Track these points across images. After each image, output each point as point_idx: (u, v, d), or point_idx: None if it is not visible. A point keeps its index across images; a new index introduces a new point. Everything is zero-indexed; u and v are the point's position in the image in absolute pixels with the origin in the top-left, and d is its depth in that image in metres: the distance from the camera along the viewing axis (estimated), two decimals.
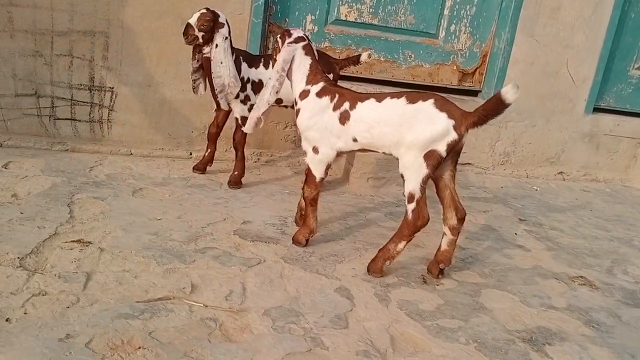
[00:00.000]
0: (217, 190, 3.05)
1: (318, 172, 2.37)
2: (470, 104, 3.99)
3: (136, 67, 3.30)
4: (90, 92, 3.29)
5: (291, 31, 2.39)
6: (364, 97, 2.27)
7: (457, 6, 3.89)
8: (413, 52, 3.92)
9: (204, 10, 2.82)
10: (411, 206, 2.19)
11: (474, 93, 4.17)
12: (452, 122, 2.10)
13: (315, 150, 2.34)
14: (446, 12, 3.89)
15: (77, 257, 2.11)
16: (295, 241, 2.49)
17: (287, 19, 3.62)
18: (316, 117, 2.28)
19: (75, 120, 3.31)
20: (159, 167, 3.27)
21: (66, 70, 3.22)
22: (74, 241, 2.23)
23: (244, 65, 2.96)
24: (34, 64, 3.17)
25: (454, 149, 2.16)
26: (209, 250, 2.32)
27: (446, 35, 3.94)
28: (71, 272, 2.01)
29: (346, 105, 2.26)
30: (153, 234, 2.40)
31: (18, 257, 2.04)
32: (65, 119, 3.30)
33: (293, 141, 3.74)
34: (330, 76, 2.94)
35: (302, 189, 2.43)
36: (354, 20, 3.74)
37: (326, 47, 3.73)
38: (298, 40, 2.34)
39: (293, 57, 2.35)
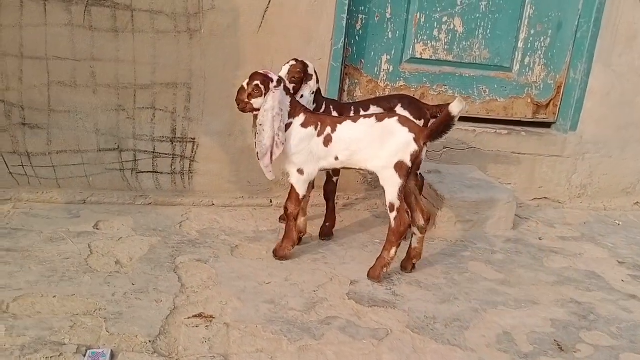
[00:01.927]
0: (310, 244, 2.96)
1: (301, 191, 2.63)
2: (546, 138, 3.91)
3: (217, 117, 3.24)
4: (172, 143, 3.23)
5: (269, 75, 2.50)
6: (342, 119, 2.59)
7: (531, 38, 3.80)
8: (487, 86, 3.83)
9: (293, 62, 2.74)
10: (393, 215, 2.52)
11: (547, 125, 4.07)
12: (412, 135, 2.46)
13: (301, 171, 2.60)
14: (520, 44, 3.80)
15: (206, 337, 2.03)
16: (280, 257, 2.70)
17: (362, 60, 3.55)
18: (303, 144, 2.54)
19: (157, 172, 3.25)
20: (244, 218, 3.20)
21: (148, 123, 3.17)
22: (196, 316, 2.15)
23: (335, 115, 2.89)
24: (117, 118, 3.12)
25: (417, 160, 2.49)
26: (333, 321, 2.23)
27: (520, 68, 3.85)
28: (207, 355, 1.93)
29: (328, 129, 2.56)
30: (270, 302, 2.31)
31: (149, 341, 1.97)
32: (147, 172, 3.24)
33: (369, 182, 3.66)
34: (421, 122, 2.87)
35: (285, 206, 2.67)
36: (429, 58, 3.66)
37: (401, 86, 3.65)
38: (279, 82, 2.51)
39: None
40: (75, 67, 2.99)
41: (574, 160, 4.01)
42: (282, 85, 2.52)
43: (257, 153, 2.54)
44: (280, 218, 3.19)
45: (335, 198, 3.08)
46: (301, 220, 2.84)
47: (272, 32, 3.20)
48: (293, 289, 2.45)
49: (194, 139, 3.26)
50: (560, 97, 3.98)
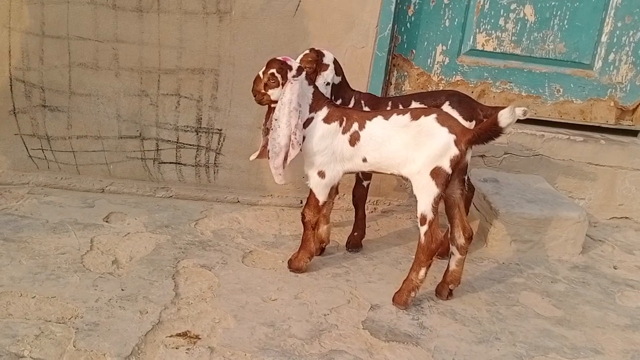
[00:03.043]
0: (335, 254, 2.62)
1: (322, 196, 2.30)
2: (630, 148, 3.32)
3: (247, 108, 2.96)
4: (197, 134, 2.99)
5: (288, 62, 2.17)
6: (371, 115, 2.23)
7: (617, 32, 3.23)
8: (562, 85, 3.30)
9: (307, 51, 2.41)
10: (423, 229, 2.15)
11: (633, 133, 3.48)
12: (453, 136, 2.08)
13: (322, 174, 2.26)
14: (604, 38, 3.24)
15: None
16: (294, 268, 2.38)
17: (413, 50, 3.14)
18: (324, 142, 2.22)
19: (181, 164, 3.03)
20: (269, 219, 2.90)
21: (172, 110, 2.94)
22: (179, 335, 1.87)
23: None
24: (139, 104, 2.91)
25: (458, 166, 2.11)
26: (337, 355, 1.88)
27: (603, 65, 3.29)
28: None
29: (355, 126, 2.22)
30: (269, 325, 2.00)
31: None
32: (170, 162, 3.02)
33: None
34: (472, 124, 2.44)
35: (303, 212, 2.33)
36: (492, 50, 3.19)
37: (458, 80, 3.21)
38: (299, 71, 2.18)
39: None
40: (98, 48, 2.81)
41: None
42: (303, 74, 2.19)
43: (268, 151, 2.22)
44: None
45: (366, 205, 2.71)
46: (323, 228, 2.50)
47: (310, 16, 2.87)
48: (301, 309, 2.12)
49: (221, 130, 2.99)
50: None
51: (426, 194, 2.13)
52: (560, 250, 2.92)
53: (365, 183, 2.64)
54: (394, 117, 2.19)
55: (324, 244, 2.56)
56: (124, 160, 2.98)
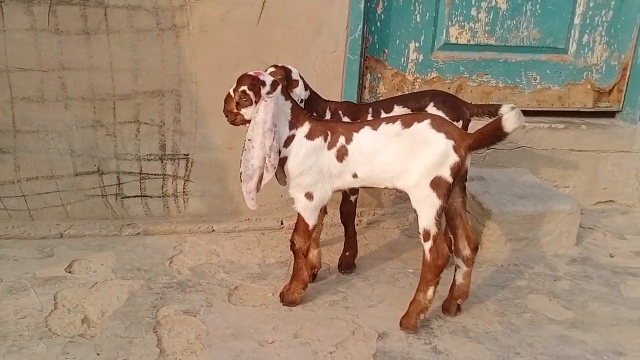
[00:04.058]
0: (328, 279, 2.43)
1: (312, 220, 2.10)
2: (611, 130, 3.25)
3: (215, 129, 2.72)
4: (162, 162, 2.73)
5: (261, 78, 1.97)
6: (358, 126, 2.05)
7: (590, 12, 3.14)
8: (538, 73, 3.19)
9: (272, 69, 2.19)
10: (428, 245, 1.98)
11: (611, 115, 3.41)
12: (451, 142, 1.91)
13: (309, 196, 2.06)
14: (577, 20, 3.15)
15: None
16: (288, 302, 2.17)
17: (386, 50, 2.96)
18: (309, 161, 2.02)
19: (146, 196, 2.76)
20: (249, 247, 2.68)
21: (132, 139, 2.67)
22: None
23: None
24: (95, 135, 2.64)
25: (459, 173, 1.94)
26: None
27: (578, 48, 3.20)
28: None
29: (341, 140, 2.03)
30: None
31: None
32: (135, 196, 2.75)
33: (398, 195, 3.08)
34: (459, 124, 2.29)
35: (292, 240, 2.13)
36: (466, 43, 3.05)
37: (433, 78, 3.05)
38: (274, 86, 1.97)
39: None
40: (42, 78, 2.52)
41: None
42: (278, 89, 1.97)
43: (241, 174, 2.00)
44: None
45: (356, 220, 2.52)
46: (314, 253, 2.30)
47: (275, 24, 2.66)
48: (303, 351, 1.92)
49: (188, 155, 2.75)
50: (627, 80, 3.30)
51: (427, 207, 1.95)
52: (555, 245, 2.81)
53: (352, 198, 2.45)
54: (383, 126, 2.00)
55: (316, 269, 2.36)
56: (82, 200, 2.70)
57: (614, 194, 3.39)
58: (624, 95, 3.33)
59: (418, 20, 2.96)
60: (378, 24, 2.91)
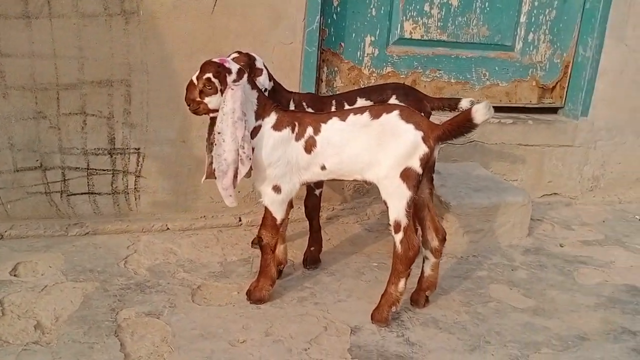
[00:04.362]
0: (293, 275, 2.37)
1: (280, 214, 2.04)
2: (555, 126, 3.39)
3: (167, 121, 2.59)
4: (111, 156, 2.57)
5: (226, 65, 1.88)
6: (325, 117, 2.00)
7: (535, 11, 3.26)
8: (487, 69, 3.28)
9: (236, 54, 2.11)
10: (398, 237, 1.96)
11: (554, 110, 3.56)
12: (420, 133, 1.90)
13: (277, 189, 2.00)
14: (523, 18, 3.26)
15: None
16: (256, 299, 2.09)
17: (342, 43, 2.94)
18: (277, 153, 1.96)
19: (95, 193, 2.59)
20: (208, 245, 2.57)
21: (78, 132, 2.50)
22: None
23: None
24: (36, 128, 2.44)
25: (428, 164, 1.95)
26: None
27: (524, 46, 3.31)
28: None
29: (309, 130, 1.98)
30: None
31: None
32: (82, 193, 2.58)
33: (356, 189, 3.07)
34: None
35: (259, 235, 2.07)
36: (420, 38, 3.08)
37: (389, 72, 3.06)
38: (240, 74, 1.89)
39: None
40: None
41: (585, 149, 3.51)
42: (245, 77, 1.89)
43: (214, 171, 1.91)
44: (252, 242, 2.58)
45: (320, 215, 2.48)
46: (280, 248, 2.23)
47: (231, 12, 2.57)
48: (277, 348, 1.85)
49: (139, 149, 2.60)
50: (568, 77, 3.46)
51: (398, 198, 1.94)
52: (509, 236, 2.89)
53: (317, 192, 2.40)
54: (352, 117, 1.97)
55: (282, 265, 2.29)
56: (24, 197, 2.49)
57: (558, 187, 3.55)
58: (566, 92, 3.48)
59: (373, 14, 2.95)
60: (334, 16, 2.88)
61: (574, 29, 3.36)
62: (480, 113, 1.84)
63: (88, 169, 2.55)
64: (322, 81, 2.93)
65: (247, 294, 2.11)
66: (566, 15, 3.32)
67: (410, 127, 1.90)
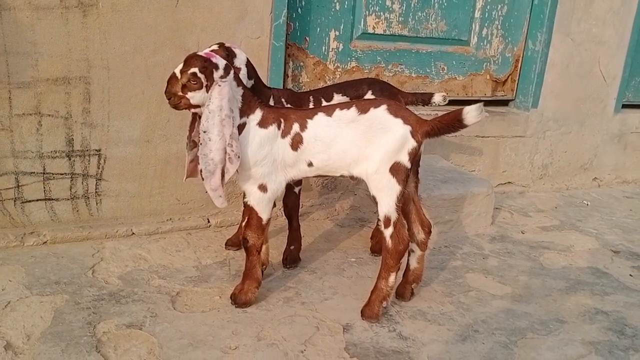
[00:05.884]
0: (274, 275, 2.30)
1: (265, 213, 1.98)
2: (509, 118, 3.50)
3: (130, 120, 2.45)
4: (70, 159, 2.40)
5: (213, 60, 1.81)
6: (311, 113, 1.96)
7: (488, 6, 3.36)
8: (445, 63, 3.34)
9: (215, 47, 2.02)
10: (388, 231, 1.95)
11: (505, 103, 3.68)
12: (408, 127, 1.90)
13: (263, 188, 1.94)
14: (477, 14, 3.35)
15: None
16: (242, 303, 2.02)
17: (307, 38, 2.89)
18: (263, 151, 1.91)
19: (52, 199, 2.41)
20: (179, 248, 2.46)
21: (33, 134, 2.31)
22: None
23: None
24: None
25: (416, 158, 1.96)
26: None
27: (478, 41, 3.40)
28: None
29: (295, 127, 1.93)
30: None
31: None
32: (38, 199, 2.39)
33: (324, 185, 3.04)
34: None
35: (244, 236, 2.00)
36: (382, 33, 3.09)
37: (353, 67, 3.05)
38: (227, 70, 1.82)
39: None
40: None
41: (535, 139, 3.67)
42: (232, 74, 1.82)
43: (201, 171, 1.82)
44: (226, 244, 2.49)
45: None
46: (262, 249, 2.16)
47: (196, 5, 2.46)
48: (272, 353, 1.78)
49: (100, 150, 2.44)
50: (519, 71, 3.59)
51: (387, 193, 1.92)
52: (475, 225, 2.96)
53: (297, 189, 2.35)
54: (338, 112, 1.93)
55: (264, 266, 2.22)
56: None
57: (511, 176, 3.68)
58: (517, 85, 3.61)
59: (337, 8, 2.93)
60: (299, 10, 2.83)
61: (523, 24, 3.49)
62: (472, 115, 1.84)
63: (44, 173, 2.36)
64: (287, 76, 2.87)
65: (231, 297, 2.03)
66: (517, 11, 3.44)
67: (399, 121, 1.90)
